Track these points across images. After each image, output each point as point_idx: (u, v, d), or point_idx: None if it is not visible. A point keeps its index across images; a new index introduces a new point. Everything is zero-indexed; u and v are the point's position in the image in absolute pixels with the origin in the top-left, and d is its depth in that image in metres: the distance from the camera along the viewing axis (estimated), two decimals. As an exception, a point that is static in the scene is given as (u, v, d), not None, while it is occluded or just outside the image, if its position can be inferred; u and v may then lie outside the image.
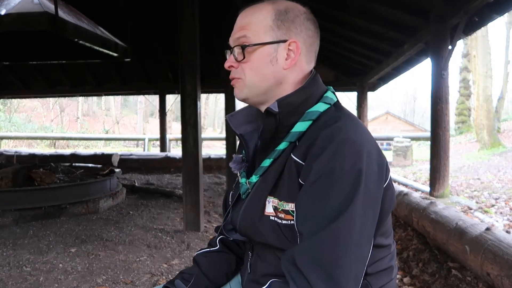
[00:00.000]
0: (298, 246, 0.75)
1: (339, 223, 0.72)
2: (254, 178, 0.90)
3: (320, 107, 0.86)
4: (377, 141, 0.86)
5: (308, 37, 0.90)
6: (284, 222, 0.83)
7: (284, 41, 0.87)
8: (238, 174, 0.98)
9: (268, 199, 0.86)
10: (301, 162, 0.81)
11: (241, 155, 0.99)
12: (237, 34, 0.89)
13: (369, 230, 0.76)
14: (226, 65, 0.92)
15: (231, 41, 0.91)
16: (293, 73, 0.89)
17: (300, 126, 0.84)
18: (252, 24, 0.88)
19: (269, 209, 0.86)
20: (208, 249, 1.08)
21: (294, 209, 0.80)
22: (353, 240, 0.72)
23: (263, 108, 0.91)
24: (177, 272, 1.13)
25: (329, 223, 0.72)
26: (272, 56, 0.87)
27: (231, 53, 0.91)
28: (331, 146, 0.76)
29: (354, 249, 0.72)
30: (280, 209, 0.83)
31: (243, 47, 0.87)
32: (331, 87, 0.93)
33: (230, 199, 1.01)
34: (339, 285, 0.69)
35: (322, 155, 0.76)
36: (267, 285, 0.83)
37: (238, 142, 1.02)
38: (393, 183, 0.94)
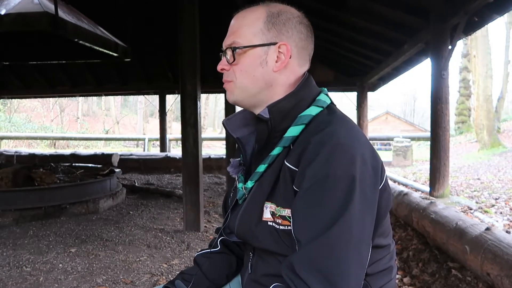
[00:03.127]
0: (297, 253, 0.75)
1: (336, 229, 0.71)
2: (249, 184, 0.90)
3: (313, 110, 0.86)
4: (371, 142, 0.85)
5: (300, 40, 0.90)
6: (281, 227, 0.83)
7: (274, 43, 0.87)
8: (236, 178, 0.98)
9: (265, 204, 0.86)
10: (294, 168, 0.80)
11: (238, 159, 0.99)
12: (229, 37, 0.90)
13: (366, 233, 0.76)
14: (219, 67, 0.92)
15: (224, 44, 0.92)
16: (284, 76, 0.89)
17: (293, 131, 0.84)
18: (243, 27, 0.89)
19: (266, 215, 0.85)
20: (209, 250, 1.08)
21: (290, 215, 0.80)
22: (351, 245, 0.72)
23: (256, 112, 0.91)
24: (177, 272, 1.13)
25: (326, 229, 0.72)
26: (262, 58, 0.88)
27: (224, 56, 0.92)
28: (323, 152, 0.76)
29: (352, 254, 0.71)
30: (277, 215, 0.83)
31: (233, 50, 0.88)
32: (325, 88, 0.93)
33: (229, 203, 1.01)
34: None
35: (314, 161, 0.76)
36: None
37: (237, 147, 1.02)
38: (393, 183, 0.94)
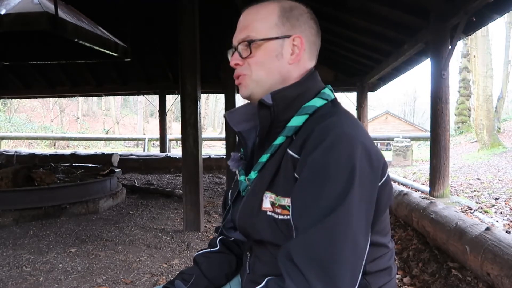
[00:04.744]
0: (294, 240, 0.75)
1: (334, 217, 0.71)
2: (253, 174, 0.90)
3: (317, 102, 0.86)
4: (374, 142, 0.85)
5: (311, 34, 0.92)
6: (280, 217, 0.82)
7: (289, 36, 0.88)
8: (237, 172, 0.98)
9: (265, 194, 0.86)
10: (296, 156, 0.81)
11: (239, 153, 0.99)
12: (242, 32, 0.90)
13: (364, 224, 0.75)
14: (232, 63, 0.92)
15: (235, 40, 0.91)
16: (297, 68, 0.90)
17: (296, 121, 0.85)
18: (257, 21, 0.89)
19: (266, 205, 0.85)
20: (208, 250, 1.08)
21: (290, 204, 0.80)
22: (348, 234, 0.71)
23: None
24: (177, 272, 1.13)
25: (324, 217, 0.72)
26: (278, 51, 0.88)
27: (234, 52, 0.91)
28: (326, 140, 0.76)
29: (349, 244, 0.71)
30: (277, 204, 0.83)
31: (250, 42, 0.88)
32: (330, 85, 0.94)
33: (229, 197, 1.01)
34: (334, 279, 0.69)
35: (317, 149, 0.76)
36: (263, 283, 0.82)
37: (237, 141, 1.02)
38: (393, 183, 0.94)
